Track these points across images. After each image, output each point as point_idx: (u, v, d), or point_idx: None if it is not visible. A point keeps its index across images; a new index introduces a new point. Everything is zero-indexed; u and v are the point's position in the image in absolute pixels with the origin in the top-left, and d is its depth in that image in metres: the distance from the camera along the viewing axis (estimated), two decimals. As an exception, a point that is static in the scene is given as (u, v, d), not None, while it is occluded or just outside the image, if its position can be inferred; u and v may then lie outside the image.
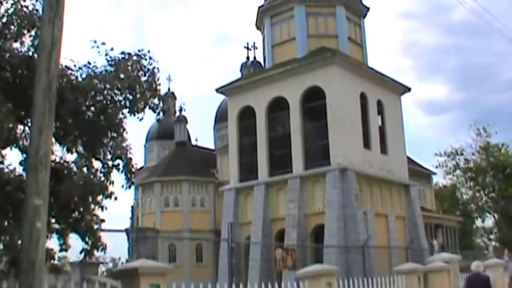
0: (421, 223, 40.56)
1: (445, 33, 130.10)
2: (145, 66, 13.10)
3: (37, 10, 12.35)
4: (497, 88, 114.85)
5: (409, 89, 43.27)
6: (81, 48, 16.77)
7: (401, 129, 42.22)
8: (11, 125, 12.02)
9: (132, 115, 13.23)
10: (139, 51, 13.30)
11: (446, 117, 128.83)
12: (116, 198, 14.03)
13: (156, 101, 13.40)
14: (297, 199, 36.32)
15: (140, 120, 13.56)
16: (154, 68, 13.35)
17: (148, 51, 13.45)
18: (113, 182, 13.78)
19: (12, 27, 12.47)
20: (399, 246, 35.66)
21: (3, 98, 11.64)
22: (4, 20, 12.38)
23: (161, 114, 14.01)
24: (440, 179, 72.13)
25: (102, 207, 13.98)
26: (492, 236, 72.78)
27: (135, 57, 13.08)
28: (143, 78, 13.08)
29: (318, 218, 35.83)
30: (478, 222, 71.87)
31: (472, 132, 65.57)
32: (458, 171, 66.58)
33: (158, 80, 13.49)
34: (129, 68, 13.01)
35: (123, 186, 13.97)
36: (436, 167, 65.11)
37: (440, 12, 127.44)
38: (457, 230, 55.41)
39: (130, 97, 12.99)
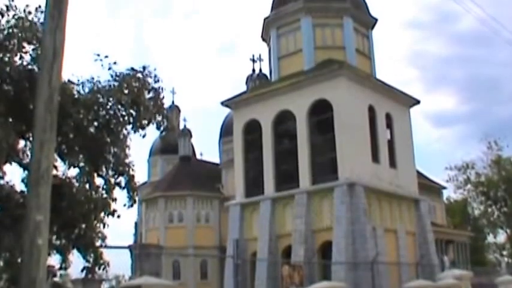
0: (432, 239, 39.96)
1: (452, 43, 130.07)
2: (150, 84, 12.88)
3: (39, 22, 12.09)
4: (506, 99, 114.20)
5: (418, 102, 42.87)
6: (82, 60, 16.43)
7: (410, 142, 41.73)
8: (11, 140, 11.75)
9: (136, 131, 12.95)
10: (144, 67, 13.08)
11: (454, 129, 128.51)
12: (118, 216, 13.74)
13: (160, 118, 13.15)
14: (304, 215, 35.82)
15: (143, 137, 13.28)
16: (159, 86, 13.11)
17: (154, 69, 13.21)
18: (115, 200, 13.47)
19: (14, 39, 12.21)
20: (409, 263, 35.20)
21: (4, 112, 11.36)
22: (5, 32, 12.13)
23: (166, 131, 13.76)
24: (451, 194, 71.60)
25: (104, 224, 13.65)
26: (505, 252, 72.02)
27: (139, 74, 12.85)
28: (148, 95, 12.83)
29: (326, 234, 35.30)
30: (490, 238, 71.47)
31: (482, 145, 65.03)
32: (469, 186, 66.03)
33: (163, 98, 13.25)
34: (134, 83, 12.76)
35: (125, 205, 13.66)
36: (447, 181, 64.62)
37: (447, 22, 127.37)
38: (469, 245, 54.90)
39: (134, 113, 12.74)
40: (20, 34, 12.14)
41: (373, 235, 34.65)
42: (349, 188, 34.70)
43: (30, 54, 12.25)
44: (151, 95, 13.06)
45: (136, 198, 14.00)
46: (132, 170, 13.49)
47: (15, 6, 12.44)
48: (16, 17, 12.36)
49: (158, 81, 13.22)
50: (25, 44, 12.21)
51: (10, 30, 12.18)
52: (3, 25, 12.26)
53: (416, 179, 41.75)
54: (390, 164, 38.79)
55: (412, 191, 40.28)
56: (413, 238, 39.13)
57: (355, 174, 35.12)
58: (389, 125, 39.90)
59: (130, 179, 13.46)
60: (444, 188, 60.61)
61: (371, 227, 34.70)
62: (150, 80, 13.12)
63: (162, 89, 13.29)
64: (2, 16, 12.31)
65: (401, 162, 39.68)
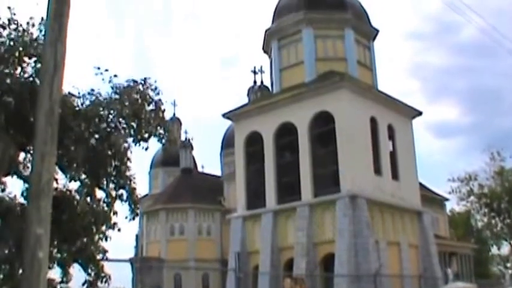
0: (435, 251, 39.77)
1: (454, 54, 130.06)
2: (150, 96, 12.84)
3: (40, 35, 12.09)
4: (508, 109, 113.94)
5: (420, 113, 42.78)
6: (83, 72, 16.41)
7: (412, 154, 41.61)
8: (12, 153, 11.72)
9: (137, 144, 12.91)
10: (144, 79, 13.06)
11: (456, 140, 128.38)
12: (119, 230, 13.68)
13: (161, 130, 13.11)
14: (306, 227, 35.66)
15: (146, 149, 13.23)
16: (160, 98, 13.07)
17: (155, 81, 13.18)
18: (116, 213, 13.42)
19: (15, 52, 12.20)
20: (412, 275, 34.99)
21: (4, 124, 11.32)
22: (6, 45, 12.12)
23: (167, 143, 13.71)
24: (454, 205, 71.33)
25: (106, 238, 13.59)
26: (509, 264, 71.73)
27: (140, 86, 12.83)
28: (148, 107, 12.80)
29: (328, 246, 35.12)
30: (494, 250, 71.15)
31: (485, 156, 64.71)
32: (472, 197, 65.70)
33: (164, 110, 13.21)
34: (134, 96, 12.73)
35: (126, 218, 13.61)
36: (450, 192, 64.25)
37: (449, 32, 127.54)
38: (472, 257, 54.63)
39: (135, 125, 12.70)
40: (21, 47, 12.14)
41: (375, 248, 34.47)
42: (351, 200, 34.55)
43: (31, 67, 12.24)
44: (152, 107, 13.02)
45: (138, 211, 13.95)
46: (134, 182, 13.45)
47: (17, 19, 12.44)
48: (17, 30, 12.35)
49: (159, 93, 13.20)
50: (26, 57, 12.20)
51: (11, 43, 12.18)
52: (4, 38, 12.25)
53: (418, 191, 41.58)
54: (392, 175, 38.64)
55: (415, 203, 40.12)
56: (416, 250, 38.93)
57: (357, 187, 34.99)
58: (391, 137, 39.80)
59: (132, 191, 13.42)
60: (447, 199, 60.39)
61: (373, 240, 34.51)
62: (151, 93, 13.09)
63: (162, 101, 13.25)
64: (4, 29, 12.31)
65: (404, 174, 39.54)
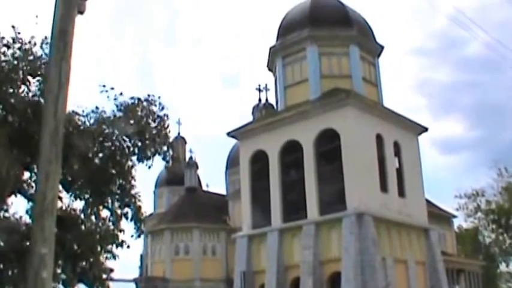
0: (442, 268, 39.41)
1: (459, 69, 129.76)
2: (155, 113, 12.80)
3: (44, 54, 12.07)
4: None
5: (426, 129, 42.56)
6: (86, 89, 16.35)
7: (419, 170, 41.36)
8: (17, 172, 11.66)
9: (141, 162, 12.84)
10: (148, 96, 13.02)
11: (462, 156, 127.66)
12: (128, 247, 13.58)
13: (165, 148, 13.05)
14: (312, 245, 35.41)
15: (149, 168, 13.16)
16: (164, 114, 13.02)
17: (159, 97, 13.20)
18: (123, 231, 13.33)
19: (19, 71, 12.18)
20: (420, 293, 34.62)
21: (9, 144, 11.27)
22: (11, 64, 12.10)
23: (171, 161, 13.64)
24: (461, 222, 70.85)
25: (114, 256, 13.48)
26: (518, 281, 71.01)
27: (145, 103, 12.80)
28: (153, 125, 12.76)
29: (334, 265, 34.85)
30: (503, 267, 70.37)
31: (492, 172, 64.35)
32: (479, 214, 65.22)
33: (168, 126, 13.16)
34: (139, 113, 12.69)
35: (132, 236, 13.52)
36: (457, 209, 63.81)
37: (454, 48, 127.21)
38: (481, 274, 54.17)
39: (140, 143, 12.65)
40: (25, 66, 12.12)
41: (382, 265, 34.21)
42: (357, 218, 34.32)
43: (36, 86, 12.21)
44: (156, 123, 12.97)
45: (144, 229, 13.86)
46: (139, 200, 13.38)
47: (21, 38, 12.43)
48: (22, 49, 12.34)
49: (163, 108, 13.16)
50: (30, 76, 12.18)
51: (16, 62, 12.17)
52: (8, 57, 12.24)
53: (425, 207, 41.29)
54: (399, 192, 38.39)
55: (422, 220, 39.82)
56: (424, 268, 38.61)
57: (364, 204, 34.77)
58: (397, 153, 39.57)
59: (137, 210, 13.34)
60: (454, 216, 59.99)
61: (380, 257, 34.26)
62: (155, 108, 13.04)
63: (167, 116, 13.19)
64: (8, 48, 12.30)
65: (410, 190, 39.30)
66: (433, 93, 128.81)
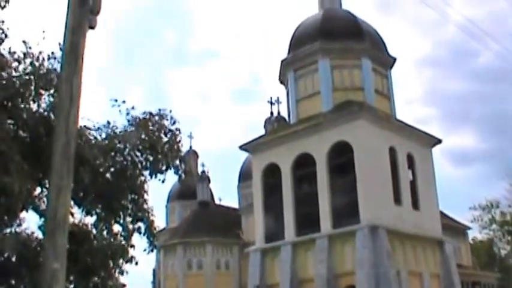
0: (458, 281, 39.06)
1: (471, 80, 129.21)
2: (166, 127, 12.76)
3: (55, 69, 12.07)
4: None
5: (439, 141, 42.32)
6: (99, 106, 16.36)
7: (433, 182, 41.09)
8: (28, 187, 11.63)
9: (154, 177, 12.79)
10: (160, 110, 12.98)
11: (476, 167, 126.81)
12: (136, 263, 13.51)
13: (178, 162, 13.00)
14: (325, 259, 35.23)
15: (162, 182, 13.11)
16: (176, 128, 12.99)
17: (170, 111, 13.12)
18: (133, 246, 13.27)
19: (30, 86, 12.18)
20: (435, 307, 34.32)
21: (20, 159, 11.25)
22: (22, 79, 12.11)
23: (183, 175, 13.59)
24: (476, 234, 70.33)
25: (122, 272, 13.42)
26: (534, 294, 70.27)
27: (156, 117, 12.76)
28: (164, 139, 12.72)
29: (349, 278, 34.64)
30: (519, 279, 69.70)
31: (505, 183, 63.89)
32: (494, 225, 64.72)
33: (180, 141, 13.12)
34: (150, 128, 12.66)
35: (145, 250, 13.46)
36: (471, 221, 63.37)
37: (465, 58, 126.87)
38: (496, 287, 53.62)
39: (151, 158, 12.61)
40: (36, 81, 12.12)
41: (397, 279, 33.93)
42: (371, 231, 34.12)
43: (47, 100, 12.20)
44: (168, 137, 12.93)
45: (156, 244, 13.81)
46: (152, 215, 13.33)
47: (32, 53, 12.44)
48: (33, 64, 12.34)
49: (175, 123, 13.13)
50: (42, 91, 12.18)
51: (27, 77, 12.17)
52: (20, 72, 12.25)
53: (440, 219, 41.00)
54: (413, 205, 38.16)
55: (436, 233, 39.53)
56: (439, 280, 38.28)
57: (377, 217, 34.57)
58: (410, 166, 39.36)
59: (150, 224, 13.29)
60: (469, 228, 59.58)
61: (395, 271, 33.99)
62: (166, 123, 13.01)
63: (179, 130, 13.16)
64: (19, 63, 12.32)
65: (424, 203, 39.05)
66: (445, 104, 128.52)
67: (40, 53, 12.27)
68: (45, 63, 12.22)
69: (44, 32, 12.11)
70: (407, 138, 39.25)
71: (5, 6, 11.63)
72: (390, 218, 35.41)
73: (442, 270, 38.59)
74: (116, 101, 12.75)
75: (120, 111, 12.80)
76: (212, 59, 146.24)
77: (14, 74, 12.01)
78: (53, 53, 12.17)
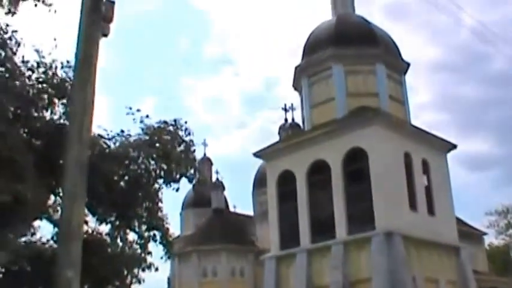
0: (474, 287, 38.69)
1: (485, 85, 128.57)
2: (181, 137, 12.73)
3: (69, 77, 12.07)
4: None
5: (454, 146, 42.00)
6: (113, 115, 16.36)
7: (448, 188, 40.76)
8: (42, 196, 11.62)
9: (168, 185, 12.76)
10: (175, 120, 12.96)
11: (491, 172, 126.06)
12: (156, 269, 13.48)
13: (191, 171, 12.97)
14: (341, 266, 34.99)
15: (176, 190, 13.08)
16: (190, 140, 12.97)
17: (185, 122, 13.09)
18: (150, 253, 13.24)
19: (44, 95, 12.19)
20: (452, 314, 34.01)
21: (34, 168, 11.24)
22: (35, 88, 12.12)
23: (197, 184, 13.56)
24: (492, 239, 69.90)
25: (139, 280, 13.38)
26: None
27: (170, 127, 12.72)
28: (179, 148, 12.69)
29: (364, 285, 34.30)
30: (537, 284, 69.10)
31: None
32: (511, 230, 64.35)
33: (194, 151, 13.10)
34: (165, 137, 12.63)
35: (161, 258, 13.43)
36: (487, 226, 63.03)
37: (479, 63, 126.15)
38: (514, 293, 53.13)
39: (165, 167, 12.58)
40: (49, 89, 12.13)
41: (413, 285, 33.63)
42: (386, 237, 33.87)
43: (60, 109, 12.21)
44: (182, 147, 12.90)
45: (172, 251, 13.77)
46: (167, 223, 13.30)
47: (45, 62, 12.46)
48: (46, 72, 12.35)
49: (189, 134, 13.11)
50: (55, 99, 12.18)
51: (40, 86, 12.18)
52: (33, 81, 12.27)
53: (455, 225, 40.66)
54: (428, 211, 37.86)
55: (452, 238, 39.20)
56: (455, 287, 37.94)
57: (393, 223, 34.33)
58: (426, 171, 39.07)
59: (165, 232, 13.25)
60: (485, 233, 59.18)
61: (411, 277, 33.72)
62: (181, 133, 12.98)
63: (192, 142, 13.14)
64: (33, 72, 12.33)
65: (440, 209, 38.73)
66: (458, 109, 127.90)
67: (53, 61, 12.28)
68: (59, 72, 12.22)
69: (55, 39, 12.11)
70: (422, 143, 39.01)
71: (14, 12, 11.64)
72: (406, 224, 35.15)
73: (458, 277, 38.22)
74: (131, 109, 12.74)
75: (134, 119, 12.78)
76: (226, 65, 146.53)
77: (27, 82, 12.02)
78: (68, 61, 12.17)
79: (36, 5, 11.62)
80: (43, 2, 11.67)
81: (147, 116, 12.99)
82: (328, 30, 41.87)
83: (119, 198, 12.19)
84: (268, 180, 41.43)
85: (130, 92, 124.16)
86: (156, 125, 13.02)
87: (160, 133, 12.85)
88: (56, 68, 12.27)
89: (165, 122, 13.08)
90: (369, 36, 40.73)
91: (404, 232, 34.43)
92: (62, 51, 12.27)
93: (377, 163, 35.29)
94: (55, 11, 11.68)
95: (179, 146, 12.97)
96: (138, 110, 12.83)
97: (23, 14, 11.88)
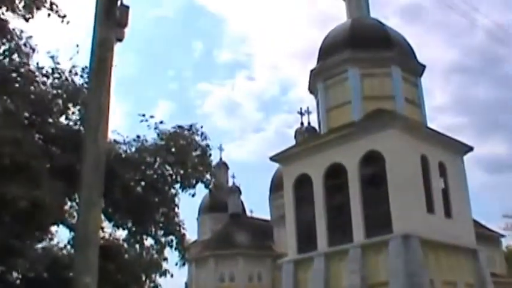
0: (493, 290, 38.43)
1: (501, 86, 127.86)
2: (197, 142, 12.71)
3: (85, 82, 12.09)
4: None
5: (471, 149, 41.70)
6: (128, 121, 16.42)
7: (465, 190, 40.48)
8: (59, 202, 11.64)
9: (184, 191, 12.74)
10: (191, 126, 12.94)
11: (508, 174, 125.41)
12: (172, 275, 13.44)
13: (208, 176, 12.94)
14: (358, 269, 34.84)
15: (193, 196, 13.06)
16: (206, 144, 12.94)
17: (201, 127, 13.07)
18: (166, 259, 13.22)
19: (59, 101, 12.21)
20: (471, 317, 33.73)
21: (50, 174, 11.26)
22: (50, 94, 12.15)
23: (214, 189, 13.53)
24: (510, 242, 69.27)
25: (157, 286, 13.36)
26: None
27: (186, 132, 12.71)
28: (195, 153, 12.66)
29: (383, 288, 34.20)
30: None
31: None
32: (527, 233, 63.67)
33: (210, 155, 13.07)
34: (181, 142, 12.61)
35: (177, 264, 13.39)
36: (505, 229, 62.47)
37: (495, 64, 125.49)
38: (533, 295, 52.61)
39: (182, 172, 12.56)
40: (64, 95, 12.15)
41: (431, 288, 33.47)
42: (404, 240, 33.67)
43: (76, 115, 12.23)
44: (198, 152, 12.88)
45: (187, 257, 13.74)
46: (183, 228, 13.28)
47: (60, 68, 12.49)
48: (61, 79, 12.38)
49: (206, 138, 13.08)
50: (70, 105, 12.20)
51: (55, 92, 12.20)
52: (48, 87, 12.30)
53: (473, 228, 40.35)
54: (445, 214, 37.61)
55: (470, 241, 38.89)
56: (473, 290, 37.68)
57: (410, 226, 34.12)
58: (442, 174, 38.83)
59: (181, 238, 13.23)
60: (503, 236, 58.73)
61: (428, 280, 33.49)
62: (197, 138, 12.96)
63: (209, 146, 13.11)
64: (47, 78, 12.37)
65: (457, 211, 38.46)
66: (475, 111, 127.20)
67: (73, 67, 12.30)
68: (74, 77, 12.24)
69: (77, 46, 12.13)
70: (439, 146, 38.77)
71: (29, 18, 11.70)
72: (423, 227, 34.92)
73: (476, 279, 37.91)
74: (144, 115, 12.72)
75: (148, 125, 12.78)
76: (241, 69, 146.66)
77: (42, 88, 12.05)
78: (84, 68, 12.18)
79: (49, 15, 11.67)
80: (56, 12, 11.72)
81: (161, 122, 12.97)
82: (343, 33, 41.80)
83: (135, 203, 12.18)
84: (284, 184, 41.37)
85: (146, 97, 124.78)
86: (171, 130, 12.98)
87: (176, 138, 12.82)
88: (70, 72, 12.29)
89: (181, 127, 13.04)
90: (384, 39, 40.62)
91: (421, 235, 34.23)
92: (77, 56, 12.30)
93: (394, 166, 35.12)
94: (68, 22, 11.74)
95: (195, 151, 12.93)
96: (152, 117, 12.81)
97: (38, 20, 11.93)
